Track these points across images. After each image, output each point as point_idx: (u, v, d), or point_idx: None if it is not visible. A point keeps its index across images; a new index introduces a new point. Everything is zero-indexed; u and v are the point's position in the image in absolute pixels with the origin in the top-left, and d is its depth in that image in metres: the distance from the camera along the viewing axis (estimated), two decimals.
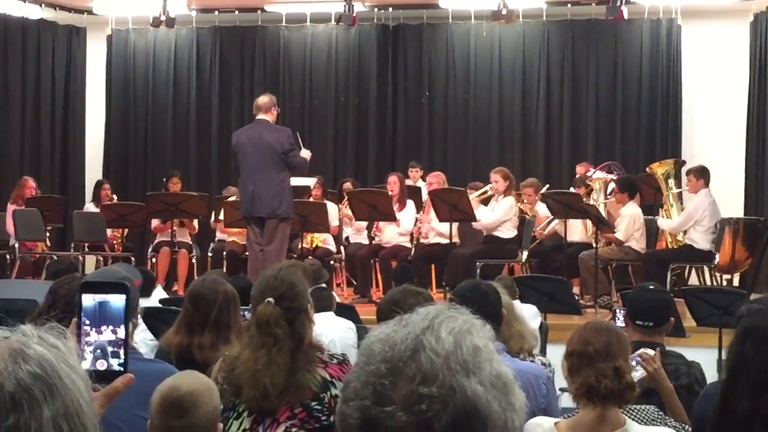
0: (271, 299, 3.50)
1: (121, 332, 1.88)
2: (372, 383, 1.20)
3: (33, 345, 1.21)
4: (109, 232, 12.26)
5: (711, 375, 5.48)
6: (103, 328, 1.87)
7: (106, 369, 1.86)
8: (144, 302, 5.19)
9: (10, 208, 12.28)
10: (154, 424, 3.02)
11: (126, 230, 12.75)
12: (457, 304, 4.17)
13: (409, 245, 11.64)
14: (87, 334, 1.86)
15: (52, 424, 1.16)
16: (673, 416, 3.94)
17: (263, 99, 9.89)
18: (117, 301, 1.88)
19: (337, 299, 7.30)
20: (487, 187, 11.58)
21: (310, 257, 10.34)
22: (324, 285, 7.12)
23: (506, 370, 1.26)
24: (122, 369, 1.87)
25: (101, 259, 12.20)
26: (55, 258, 11.28)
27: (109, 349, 1.87)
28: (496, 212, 11.05)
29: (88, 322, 1.86)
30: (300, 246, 11.12)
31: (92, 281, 1.96)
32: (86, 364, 1.81)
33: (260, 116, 9.72)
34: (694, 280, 11.48)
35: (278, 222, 9.50)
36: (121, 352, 1.87)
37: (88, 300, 1.87)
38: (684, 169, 11.57)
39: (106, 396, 1.84)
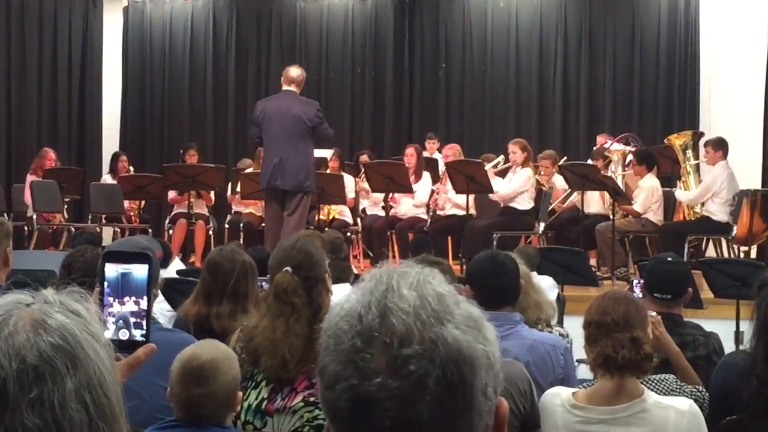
0: (288, 268, 3.50)
1: (144, 303, 1.88)
2: (351, 361, 1.16)
3: (54, 314, 1.19)
4: (126, 203, 12.30)
5: (728, 346, 5.47)
6: (126, 298, 1.87)
7: (128, 339, 1.87)
8: (161, 273, 5.21)
9: (30, 178, 12.31)
10: (174, 392, 3.04)
11: (143, 202, 12.79)
12: (475, 274, 4.12)
13: (425, 217, 11.64)
14: (110, 304, 1.86)
15: (75, 395, 1.14)
16: (684, 379, 3.95)
17: (297, 72, 9.71)
18: (140, 271, 1.88)
19: (354, 271, 7.31)
20: (500, 158, 11.55)
21: (326, 229, 10.34)
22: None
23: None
24: (144, 339, 1.88)
25: (118, 230, 12.24)
26: (73, 229, 11.32)
27: (132, 319, 1.87)
28: (513, 183, 11.03)
29: (110, 292, 1.87)
30: (317, 218, 11.12)
31: (115, 251, 1.95)
32: (108, 334, 1.82)
33: (290, 88, 9.60)
34: (711, 252, 11.43)
35: (302, 195, 9.48)
36: (144, 322, 1.88)
37: (111, 270, 1.87)
38: (702, 141, 11.50)
39: (128, 366, 1.84)
